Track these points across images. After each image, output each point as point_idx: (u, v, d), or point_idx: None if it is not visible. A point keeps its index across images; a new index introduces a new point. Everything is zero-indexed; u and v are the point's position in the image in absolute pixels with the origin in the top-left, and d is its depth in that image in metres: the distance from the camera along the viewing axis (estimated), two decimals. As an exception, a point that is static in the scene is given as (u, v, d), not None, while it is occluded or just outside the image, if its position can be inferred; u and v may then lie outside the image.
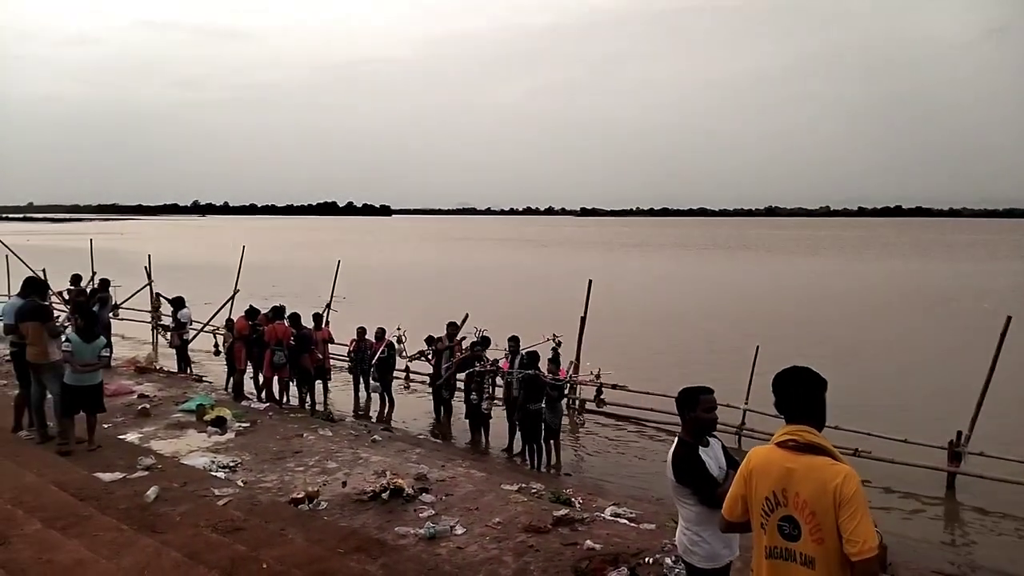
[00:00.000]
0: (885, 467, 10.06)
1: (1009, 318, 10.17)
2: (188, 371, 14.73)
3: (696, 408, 4.13)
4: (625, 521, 7.28)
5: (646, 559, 6.05)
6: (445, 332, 11.83)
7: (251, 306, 13.33)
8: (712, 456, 4.11)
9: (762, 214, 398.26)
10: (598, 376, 12.44)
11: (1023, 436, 11.30)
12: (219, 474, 8.15)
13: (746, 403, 11.40)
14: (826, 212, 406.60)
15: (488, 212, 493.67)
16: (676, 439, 4.20)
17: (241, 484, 7.84)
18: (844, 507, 2.86)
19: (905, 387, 15.59)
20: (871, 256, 65.13)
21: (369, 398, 12.95)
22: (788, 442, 3.06)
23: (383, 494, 7.39)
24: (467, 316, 12.97)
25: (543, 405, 10.34)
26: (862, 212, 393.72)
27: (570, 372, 12.44)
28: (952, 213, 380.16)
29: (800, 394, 3.13)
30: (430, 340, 12.28)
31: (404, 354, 13.13)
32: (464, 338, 12.02)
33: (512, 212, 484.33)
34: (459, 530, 6.71)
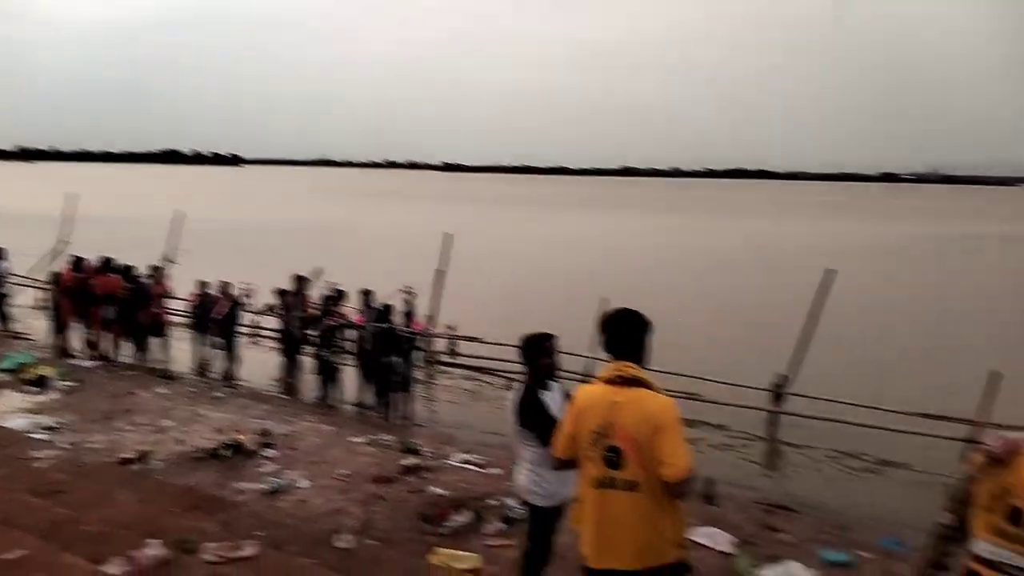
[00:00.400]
0: (718, 409, 10.77)
1: (830, 271, 11.09)
2: (6, 328, 13.49)
3: (538, 354, 4.22)
4: (473, 467, 7.42)
5: (491, 502, 6.20)
6: (292, 285, 11.44)
7: (77, 257, 12.32)
8: (553, 399, 4.22)
9: (618, 173, 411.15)
10: (453, 328, 12.49)
11: (838, 378, 12.42)
12: (40, 436, 7.56)
13: (592, 352, 11.80)
14: (677, 173, 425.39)
15: (348, 164, 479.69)
16: (520, 384, 4.27)
17: (66, 446, 7.33)
18: (662, 433, 3.08)
19: (741, 335, 16.69)
20: (723, 214, 68.89)
21: (211, 355, 12.37)
22: (614, 378, 3.23)
23: (222, 451, 7.12)
24: (320, 269, 12.60)
25: (396, 358, 10.27)
26: (710, 173, 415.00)
27: (425, 325, 12.40)
28: (791, 176, 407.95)
29: (626, 333, 3.31)
30: (280, 293, 11.84)
31: (251, 308, 12.60)
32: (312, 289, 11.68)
33: (373, 165, 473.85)
34: (303, 483, 6.59)
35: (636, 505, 3.13)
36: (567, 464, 3.45)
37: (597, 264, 28.58)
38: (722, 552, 5.63)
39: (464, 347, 13.11)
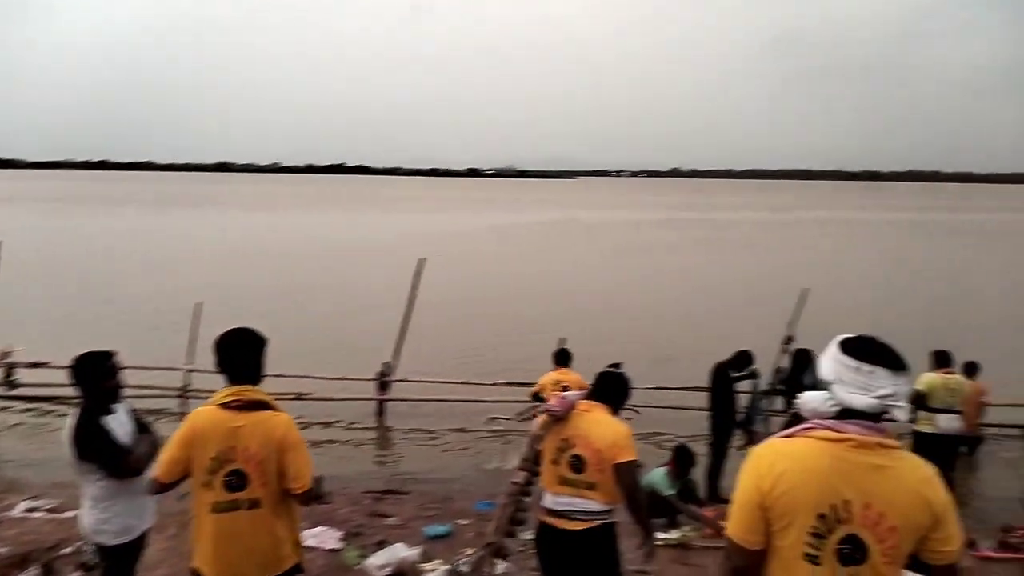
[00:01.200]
0: (326, 405, 10.76)
1: (421, 260, 11.71)
2: None
3: (100, 375, 3.75)
4: (42, 514, 6.36)
5: (65, 550, 5.35)
6: None
7: None
8: (119, 423, 3.77)
9: (213, 169, 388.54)
10: (6, 355, 10.57)
11: (434, 360, 13.26)
12: None
13: (190, 363, 10.95)
14: (277, 168, 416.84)
15: None
16: (76, 411, 3.73)
17: None
18: (288, 452, 3.14)
19: (346, 329, 16.86)
20: (319, 210, 69.06)
21: None
22: (233, 402, 3.16)
23: None
24: None
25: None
26: (311, 169, 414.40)
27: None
28: (389, 171, 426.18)
29: (243, 355, 3.24)
30: None
31: None
32: None
33: None
34: None
35: (258, 522, 3.15)
36: (166, 487, 3.27)
37: (184, 266, 26.55)
38: (331, 549, 5.60)
39: (27, 374, 11.15)
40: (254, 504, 3.13)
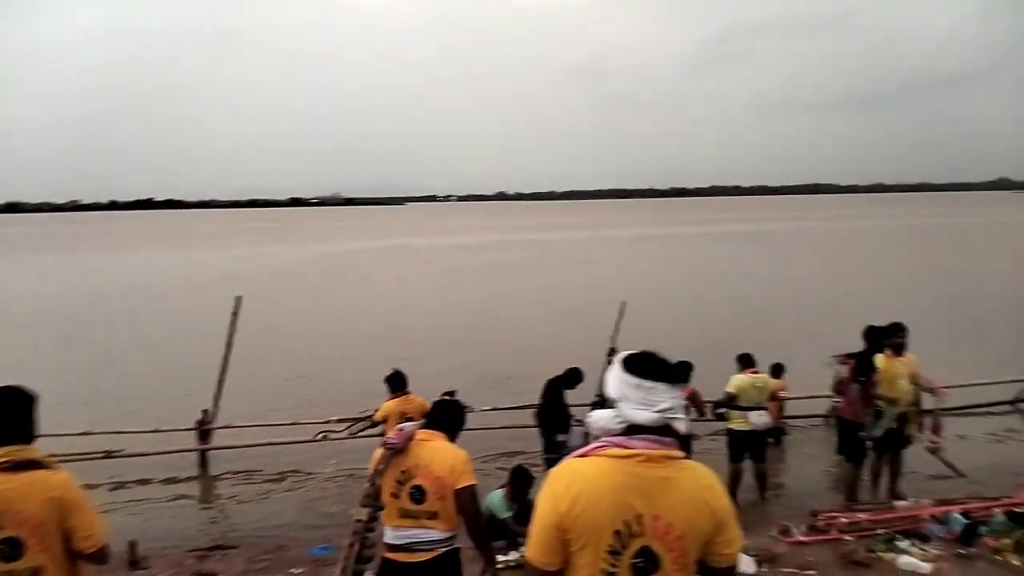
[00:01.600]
0: (140, 461, 9.91)
1: (238, 297, 11.10)
2: None
3: None
4: None
5: None
6: None
7: None
8: None
9: (0, 210, 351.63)
10: None
11: (259, 402, 12.63)
12: None
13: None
14: (75, 207, 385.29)
15: None
16: None
17: None
18: (71, 512, 2.93)
19: (159, 377, 15.68)
20: (123, 249, 64.28)
21: None
22: (2, 463, 2.92)
23: None
24: None
25: None
26: (115, 206, 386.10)
27: None
28: (203, 205, 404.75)
29: (11, 414, 3.01)
30: None
31: None
32: None
33: None
34: None
35: None
36: None
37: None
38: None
39: None
40: (35, 574, 2.89)
